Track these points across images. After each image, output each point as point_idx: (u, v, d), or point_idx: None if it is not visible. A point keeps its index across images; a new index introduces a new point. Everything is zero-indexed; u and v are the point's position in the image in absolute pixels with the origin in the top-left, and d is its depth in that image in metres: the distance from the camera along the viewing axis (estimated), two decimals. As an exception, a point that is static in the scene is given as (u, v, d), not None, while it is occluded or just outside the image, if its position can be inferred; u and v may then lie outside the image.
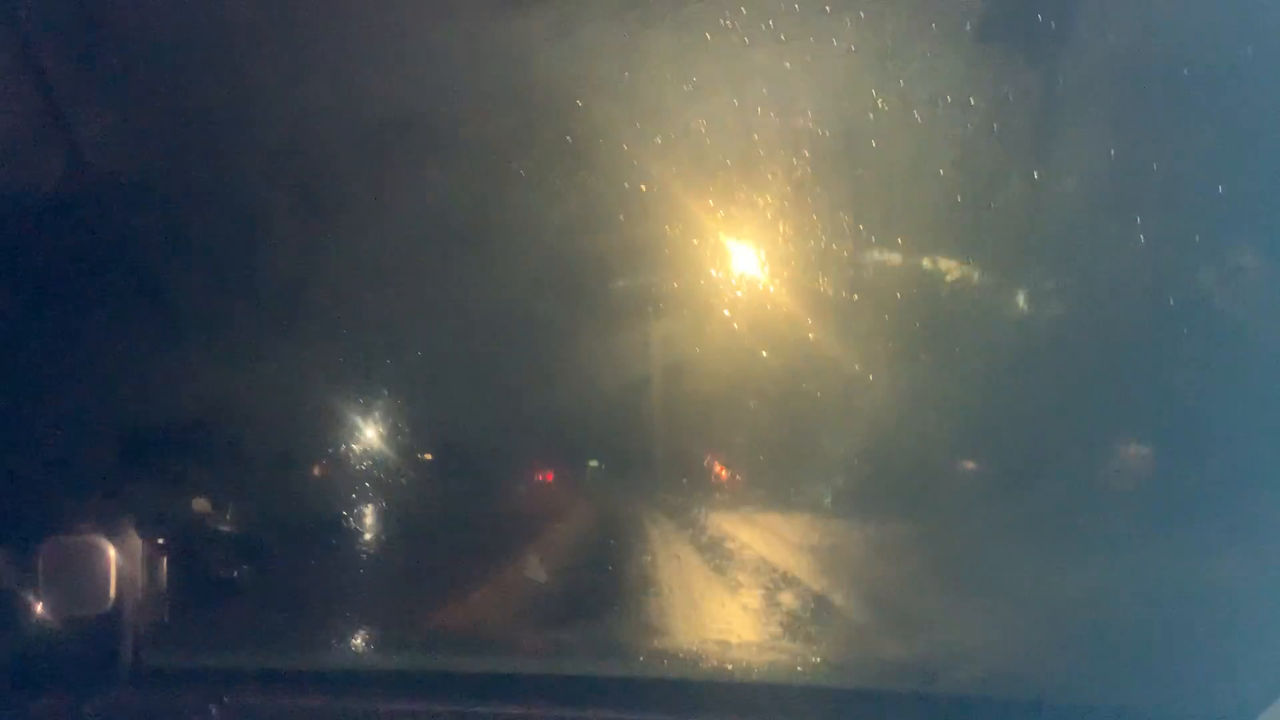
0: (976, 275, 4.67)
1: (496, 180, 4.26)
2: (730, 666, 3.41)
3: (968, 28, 3.54)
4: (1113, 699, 2.65)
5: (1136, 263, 3.90)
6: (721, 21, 3.55)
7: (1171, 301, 4.05)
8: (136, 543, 2.03)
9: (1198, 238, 3.87)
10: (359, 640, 3.57)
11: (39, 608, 1.87)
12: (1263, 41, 3.32)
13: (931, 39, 3.61)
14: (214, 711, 2.14)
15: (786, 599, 4.54)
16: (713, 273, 4.43)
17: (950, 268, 4.57)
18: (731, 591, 4.92)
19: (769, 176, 4.00)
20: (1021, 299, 4.72)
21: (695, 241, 4.30)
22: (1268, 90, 3.42)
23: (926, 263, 4.49)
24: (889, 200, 4.13)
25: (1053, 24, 3.47)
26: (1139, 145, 3.75)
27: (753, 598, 4.77)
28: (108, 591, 1.89)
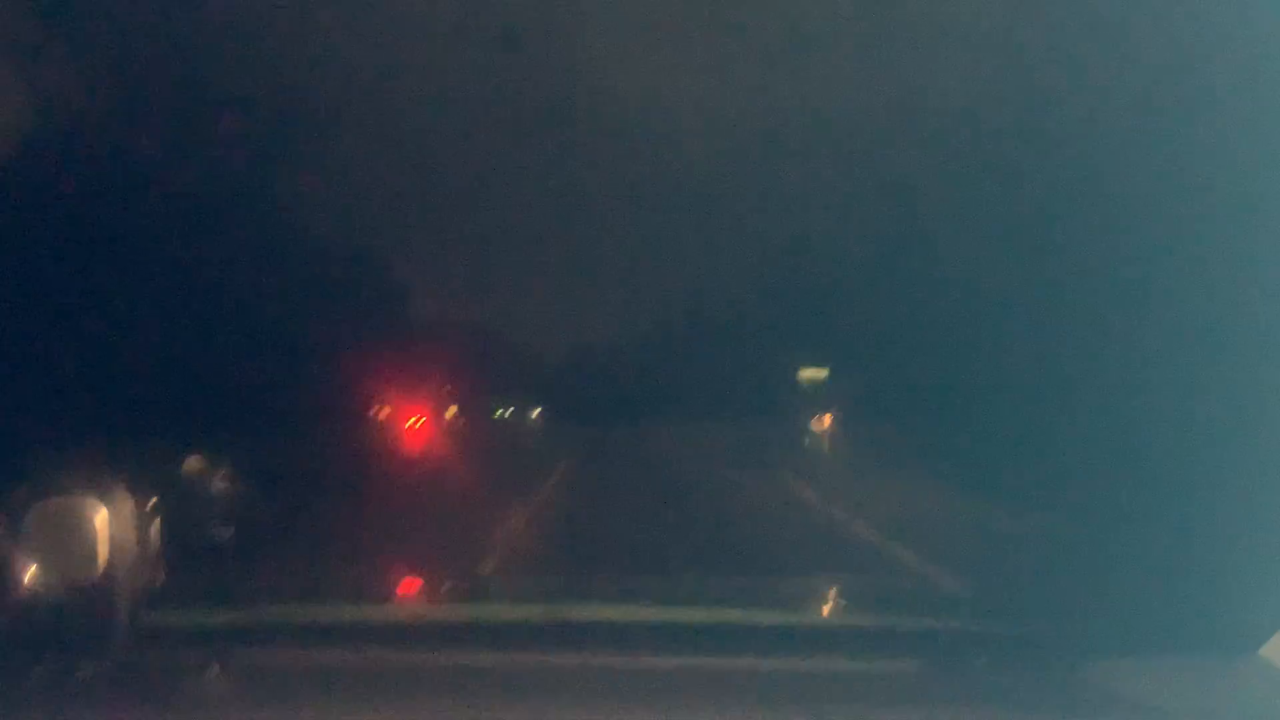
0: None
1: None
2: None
3: None
4: (1113, 630, 2.63)
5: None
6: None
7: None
8: (129, 502, 1.98)
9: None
10: (361, 593, 3.56)
11: (31, 571, 1.83)
12: None
13: None
14: (215, 670, 2.12)
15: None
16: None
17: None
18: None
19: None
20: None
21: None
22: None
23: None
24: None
25: None
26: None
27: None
28: (101, 552, 1.85)
